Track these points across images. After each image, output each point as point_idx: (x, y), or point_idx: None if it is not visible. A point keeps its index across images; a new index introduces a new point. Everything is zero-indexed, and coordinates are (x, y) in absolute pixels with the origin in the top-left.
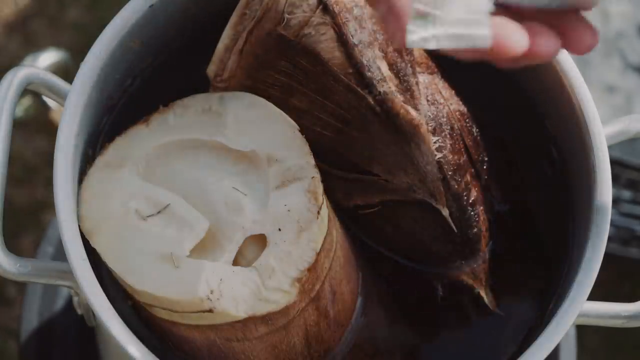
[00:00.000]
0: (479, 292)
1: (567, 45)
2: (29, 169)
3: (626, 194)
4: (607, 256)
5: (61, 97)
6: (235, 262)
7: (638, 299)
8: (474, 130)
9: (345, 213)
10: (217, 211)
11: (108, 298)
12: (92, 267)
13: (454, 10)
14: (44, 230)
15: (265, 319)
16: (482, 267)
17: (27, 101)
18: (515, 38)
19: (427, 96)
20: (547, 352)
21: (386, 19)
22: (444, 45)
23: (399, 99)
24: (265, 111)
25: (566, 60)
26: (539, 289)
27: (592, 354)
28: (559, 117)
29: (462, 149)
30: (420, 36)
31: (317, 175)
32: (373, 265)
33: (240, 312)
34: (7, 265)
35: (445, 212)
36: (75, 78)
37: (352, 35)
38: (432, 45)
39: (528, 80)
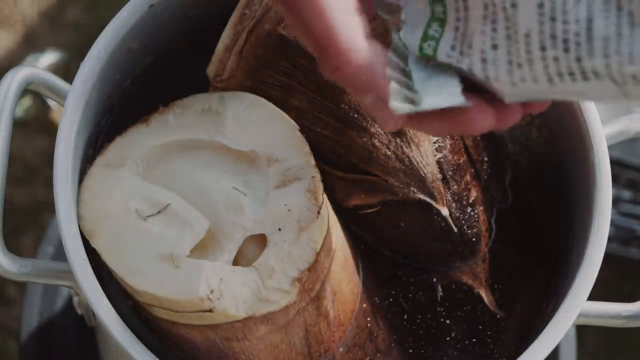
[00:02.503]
0: (479, 292)
1: (528, 108)
2: (29, 169)
3: (626, 194)
4: (607, 256)
5: (61, 97)
6: (236, 262)
7: (638, 299)
8: None
9: (345, 213)
10: (217, 211)
11: (108, 298)
12: (92, 267)
13: (429, 95)
14: (44, 230)
15: (265, 318)
16: (482, 267)
17: (27, 101)
18: (484, 120)
19: None
20: (547, 352)
21: (376, 107)
22: (426, 106)
23: None
24: (265, 111)
25: None
26: (539, 289)
27: (592, 354)
28: (559, 117)
29: (462, 149)
30: (405, 110)
31: (317, 175)
32: (373, 265)
33: (240, 312)
34: (7, 265)
35: (445, 212)
36: (75, 78)
37: None
38: (417, 110)
39: None
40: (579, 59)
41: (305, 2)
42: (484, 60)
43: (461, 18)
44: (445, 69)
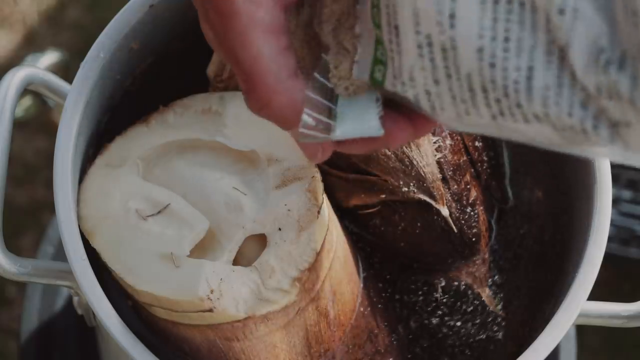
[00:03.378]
0: (479, 292)
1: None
2: (29, 169)
3: (626, 194)
4: (607, 256)
5: (61, 97)
6: (236, 262)
7: (638, 299)
8: None
9: (345, 213)
10: (217, 211)
11: (108, 298)
12: (92, 267)
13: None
14: (44, 230)
15: (265, 318)
16: (482, 267)
17: (27, 101)
18: (402, 134)
19: None
20: (547, 352)
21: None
22: (339, 136)
23: None
24: None
25: None
26: (539, 288)
27: (592, 354)
28: None
29: (462, 149)
30: (315, 134)
31: (317, 175)
32: (373, 265)
33: (240, 311)
34: (7, 265)
35: (445, 212)
36: (75, 78)
37: None
38: (329, 138)
39: None
40: (518, 105)
41: (236, 41)
42: (428, 93)
43: (394, 50)
44: (367, 99)
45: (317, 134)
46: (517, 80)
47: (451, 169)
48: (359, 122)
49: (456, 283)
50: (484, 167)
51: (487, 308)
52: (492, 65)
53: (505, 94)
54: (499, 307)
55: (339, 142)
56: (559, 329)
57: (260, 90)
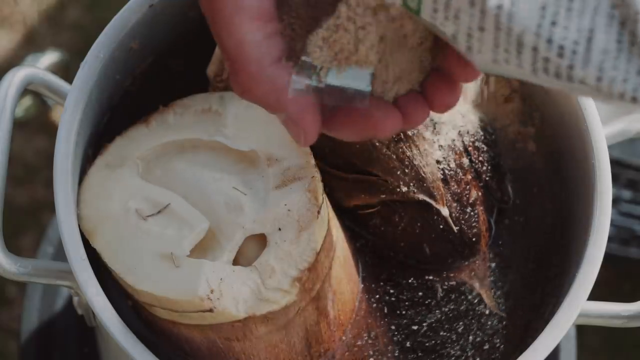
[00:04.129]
0: (479, 292)
1: (431, 107)
2: (29, 169)
3: (626, 194)
4: (607, 256)
5: (61, 97)
6: (236, 262)
7: (638, 299)
8: (475, 130)
9: (345, 213)
10: (217, 211)
11: (108, 298)
12: (92, 267)
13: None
14: (44, 230)
15: (265, 318)
16: (482, 267)
17: (27, 101)
18: (390, 123)
19: None
20: (547, 352)
21: (287, 124)
22: (326, 101)
23: None
24: (265, 111)
25: None
26: (539, 288)
27: (592, 354)
28: (559, 117)
29: (462, 149)
30: (304, 87)
31: (317, 175)
32: (373, 265)
33: (240, 311)
34: (7, 265)
35: (445, 212)
36: (75, 78)
37: None
38: (316, 99)
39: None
40: (571, 67)
41: (222, 26)
42: (469, 35)
43: None
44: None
45: (309, 81)
46: (577, 41)
47: (451, 169)
48: (348, 76)
49: (456, 283)
50: (484, 167)
51: (488, 308)
52: (554, 24)
53: (560, 54)
54: (499, 307)
55: (327, 123)
56: (559, 329)
57: (243, 76)
